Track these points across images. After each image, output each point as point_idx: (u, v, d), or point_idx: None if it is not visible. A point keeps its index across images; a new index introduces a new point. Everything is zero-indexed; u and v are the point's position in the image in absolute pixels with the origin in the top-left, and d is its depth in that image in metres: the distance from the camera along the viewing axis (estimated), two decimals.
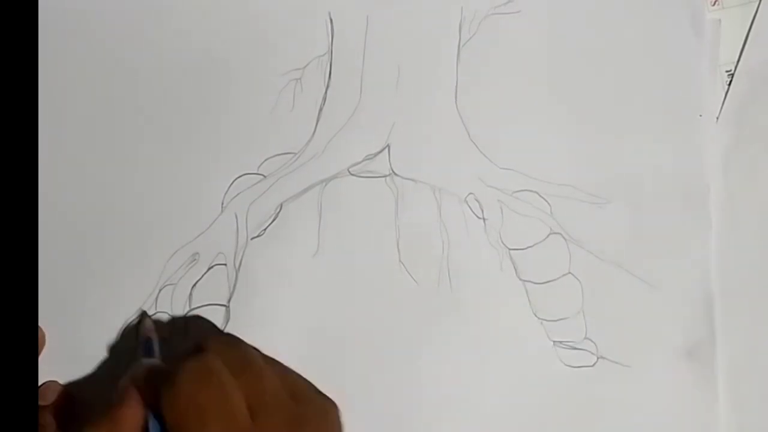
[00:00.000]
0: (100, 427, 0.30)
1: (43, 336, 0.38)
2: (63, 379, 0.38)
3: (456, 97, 0.39)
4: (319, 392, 0.32)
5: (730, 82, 0.39)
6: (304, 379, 0.33)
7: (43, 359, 0.38)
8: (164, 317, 0.38)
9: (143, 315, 0.38)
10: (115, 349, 0.38)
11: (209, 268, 0.38)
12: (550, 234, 0.39)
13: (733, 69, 0.40)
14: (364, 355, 0.39)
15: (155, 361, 0.35)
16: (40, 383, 0.37)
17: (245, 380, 0.30)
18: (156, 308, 0.38)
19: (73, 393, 0.37)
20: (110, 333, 0.38)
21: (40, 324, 0.38)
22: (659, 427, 0.39)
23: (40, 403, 0.36)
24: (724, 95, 0.40)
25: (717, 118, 0.40)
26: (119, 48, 0.39)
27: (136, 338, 0.37)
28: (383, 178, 0.39)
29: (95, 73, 0.39)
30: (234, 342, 0.33)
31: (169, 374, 0.30)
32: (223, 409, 0.29)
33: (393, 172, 0.39)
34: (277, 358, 0.38)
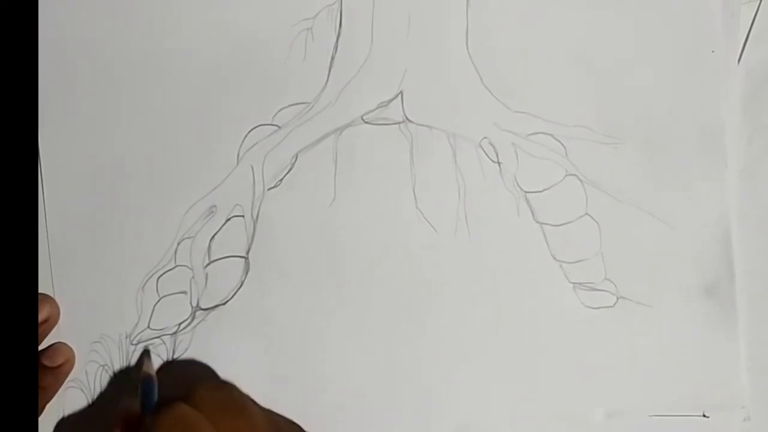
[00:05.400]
0: None
1: (57, 307, 0.38)
2: (81, 335, 0.38)
3: (467, 42, 0.39)
4: None
5: (755, 16, 0.39)
6: (295, 426, 0.33)
7: (62, 318, 0.39)
8: (158, 361, 0.38)
9: (144, 353, 0.38)
10: (114, 383, 0.38)
11: (227, 220, 0.39)
12: (566, 176, 0.39)
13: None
14: (383, 302, 0.39)
15: (134, 404, 0.35)
16: (52, 343, 0.38)
17: (231, 426, 0.31)
18: (175, 261, 0.39)
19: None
20: (131, 289, 0.39)
21: (58, 285, 0.38)
22: (680, 366, 0.39)
23: (47, 363, 0.37)
24: (747, 32, 0.39)
25: (738, 60, 0.39)
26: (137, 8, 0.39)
27: (137, 375, 0.37)
28: (397, 125, 0.39)
29: (113, 31, 0.39)
30: (222, 387, 0.33)
31: (145, 422, 0.31)
32: None
33: (407, 118, 0.39)
34: (297, 306, 0.38)
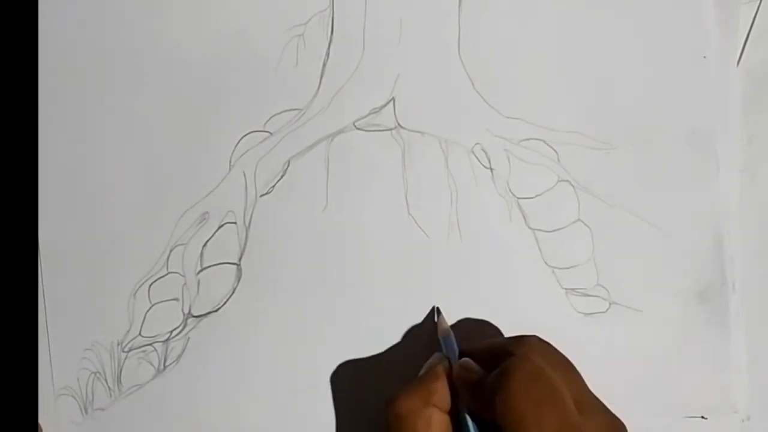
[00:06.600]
0: (415, 393, 0.32)
1: None
2: (72, 343, 0.38)
3: (459, 48, 0.39)
4: None
5: (755, 16, 0.39)
6: None
7: (54, 326, 0.39)
8: (150, 370, 0.38)
9: (436, 310, 0.38)
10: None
11: (219, 227, 0.39)
12: (558, 182, 0.39)
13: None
14: (376, 308, 0.39)
15: (467, 361, 0.34)
16: None
17: (563, 377, 0.31)
18: (167, 268, 0.38)
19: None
20: (122, 296, 0.39)
21: (49, 292, 0.38)
22: (673, 370, 0.39)
23: None
24: (746, 34, 0.39)
25: (738, 61, 0.39)
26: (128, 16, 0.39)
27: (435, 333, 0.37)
28: (389, 131, 0.39)
29: (104, 39, 0.39)
30: (545, 342, 0.33)
31: (490, 375, 0.31)
32: (557, 402, 0.30)
33: (399, 124, 0.39)
34: (289, 313, 0.38)
